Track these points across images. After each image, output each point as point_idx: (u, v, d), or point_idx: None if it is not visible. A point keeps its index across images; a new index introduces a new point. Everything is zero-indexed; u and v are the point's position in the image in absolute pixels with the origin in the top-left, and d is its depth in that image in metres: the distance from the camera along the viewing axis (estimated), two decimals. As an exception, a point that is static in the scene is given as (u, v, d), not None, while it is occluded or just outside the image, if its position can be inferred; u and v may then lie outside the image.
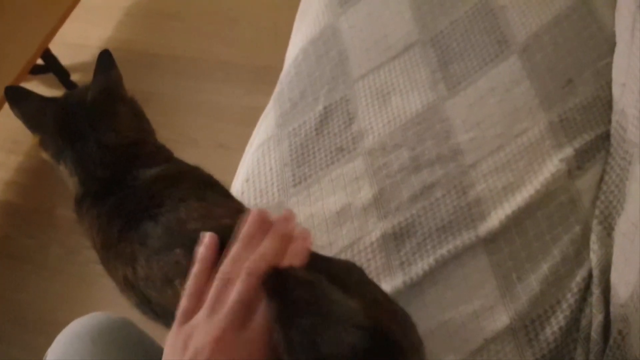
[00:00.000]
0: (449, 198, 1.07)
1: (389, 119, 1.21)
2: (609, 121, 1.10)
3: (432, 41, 1.29)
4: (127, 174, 0.89)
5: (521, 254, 0.98)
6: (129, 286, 0.84)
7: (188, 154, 0.97)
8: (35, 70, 2.37)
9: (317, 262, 0.77)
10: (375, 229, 1.07)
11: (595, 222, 1.00)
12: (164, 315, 0.82)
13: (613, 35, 1.19)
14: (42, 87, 2.47)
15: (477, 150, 1.12)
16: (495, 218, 1.02)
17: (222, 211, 0.84)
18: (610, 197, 1.01)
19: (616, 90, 1.11)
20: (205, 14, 2.62)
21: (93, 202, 0.90)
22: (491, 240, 1.00)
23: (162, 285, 0.78)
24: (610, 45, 1.18)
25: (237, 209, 0.87)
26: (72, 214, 0.95)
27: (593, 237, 0.98)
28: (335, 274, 0.75)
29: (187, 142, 2.16)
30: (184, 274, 0.74)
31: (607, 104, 1.12)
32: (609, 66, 1.16)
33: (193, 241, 0.76)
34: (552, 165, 1.06)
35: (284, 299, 0.67)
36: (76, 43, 2.53)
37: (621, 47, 1.14)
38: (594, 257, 0.96)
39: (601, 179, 1.04)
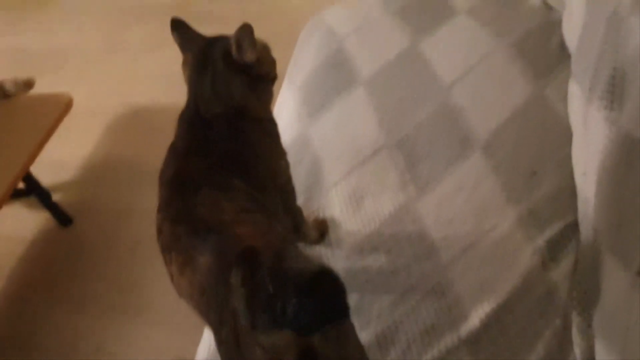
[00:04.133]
0: (429, 300, 1.07)
1: (363, 223, 1.24)
2: (576, 209, 1.13)
3: (398, 144, 1.34)
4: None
5: (505, 354, 0.98)
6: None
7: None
8: (16, 194, 2.38)
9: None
10: (359, 339, 1.06)
11: (574, 313, 1.00)
12: None
13: (570, 126, 1.24)
14: (24, 210, 2.48)
15: (450, 248, 1.14)
16: (476, 317, 1.02)
17: None
18: (585, 287, 1.01)
19: (578, 179, 1.15)
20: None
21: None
22: (474, 342, 0.99)
23: None
24: (568, 136, 1.23)
25: None
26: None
27: (574, 330, 0.98)
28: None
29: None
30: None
31: (572, 192, 1.16)
32: (570, 156, 1.21)
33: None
34: (525, 259, 1.08)
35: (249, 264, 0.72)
36: (57, 160, 2.56)
37: (577, 138, 1.19)
38: (577, 350, 0.96)
39: (574, 269, 1.06)
